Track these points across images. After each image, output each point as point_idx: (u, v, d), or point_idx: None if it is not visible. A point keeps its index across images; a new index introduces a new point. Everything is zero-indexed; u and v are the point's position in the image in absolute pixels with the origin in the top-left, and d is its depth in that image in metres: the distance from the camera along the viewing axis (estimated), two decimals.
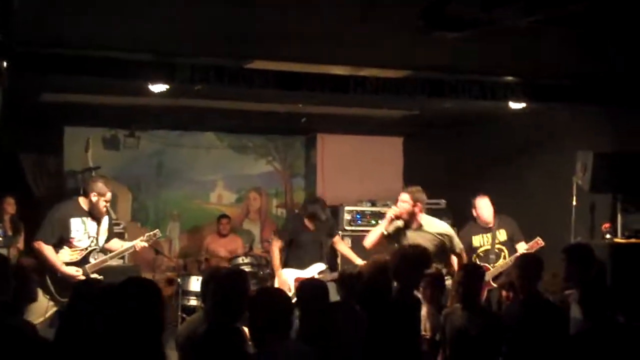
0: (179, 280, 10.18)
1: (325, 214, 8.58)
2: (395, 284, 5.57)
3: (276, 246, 8.63)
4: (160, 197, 11.94)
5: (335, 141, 12.15)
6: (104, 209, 7.25)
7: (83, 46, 6.43)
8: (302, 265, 8.43)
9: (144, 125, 11.32)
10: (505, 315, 5.88)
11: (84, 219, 7.14)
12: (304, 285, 5.56)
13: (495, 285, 7.78)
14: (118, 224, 9.84)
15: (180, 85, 7.17)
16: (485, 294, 7.70)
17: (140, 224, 11.78)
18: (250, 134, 12.31)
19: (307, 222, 8.59)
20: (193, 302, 9.76)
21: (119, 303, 3.73)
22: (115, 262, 10.12)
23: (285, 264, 8.56)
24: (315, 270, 8.38)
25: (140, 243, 7.47)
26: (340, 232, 9.83)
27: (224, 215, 11.32)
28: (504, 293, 6.41)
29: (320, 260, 8.56)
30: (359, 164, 11.96)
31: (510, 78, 7.68)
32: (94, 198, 7.15)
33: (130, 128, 11.44)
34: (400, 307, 5.38)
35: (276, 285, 8.53)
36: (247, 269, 10.02)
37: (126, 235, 10.45)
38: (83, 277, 6.93)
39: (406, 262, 5.58)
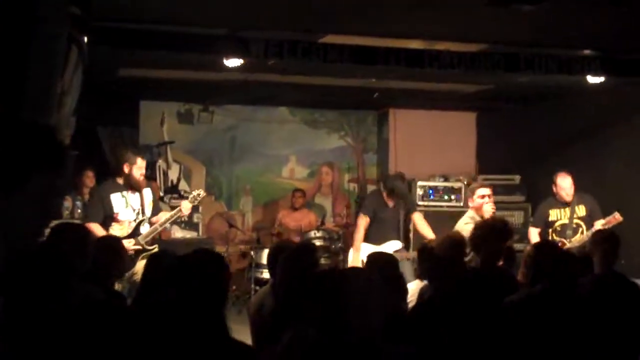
0: (251, 253, 10.32)
1: (404, 188, 8.53)
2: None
3: (362, 224, 8.57)
4: (234, 171, 12.06)
5: (407, 116, 12.08)
6: (141, 178, 7.28)
7: (159, 21, 6.52)
8: (378, 241, 8.40)
9: (218, 100, 11.43)
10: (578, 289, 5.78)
11: (124, 192, 7.21)
12: (372, 257, 5.53)
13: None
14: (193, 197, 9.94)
15: (254, 60, 7.20)
16: None
17: (214, 198, 11.94)
18: (322, 109, 12.32)
19: (386, 198, 8.55)
20: (265, 274, 9.87)
21: (184, 273, 3.79)
22: (189, 235, 10.38)
23: (364, 240, 8.55)
24: (391, 247, 8.33)
25: (185, 205, 7.49)
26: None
27: (298, 190, 11.37)
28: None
29: (397, 237, 8.52)
30: (432, 139, 11.89)
31: (588, 52, 7.53)
32: (126, 169, 7.24)
33: (205, 103, 11.57)
34: (480, 279, 5.30)
35: (350, 260, 8.55)
36: (318, 243, 10.09)
37: (200, 209, 10.63)
38: (138, 247, 7.04)
39: (490, 234, 5.52)
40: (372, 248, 8.29)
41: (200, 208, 10.54)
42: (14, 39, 3.79)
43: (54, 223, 5.43)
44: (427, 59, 7.20)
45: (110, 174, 7.66)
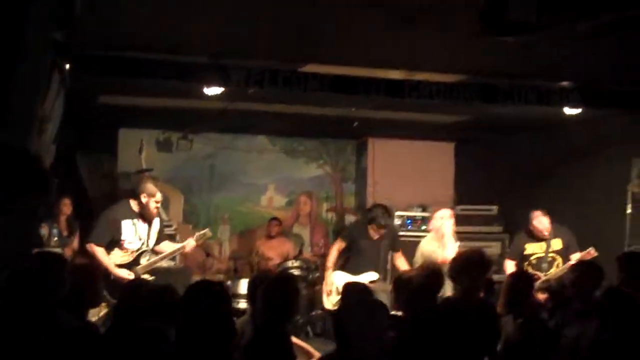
0: (229, 282, 10.25)
1: (386, 219, 8.52)
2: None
3: (336, 247, 8.59)
4: (212, 199, 12.02)
5: (386, 146, 12.10)
6: (155, 210, 7.30)
7: (140, 48, 6.52)
8: (355, 272, 8.39)
9: (197, 128, 11.41)
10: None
11: (135, 220, 7.20)
12: (348, 286, 5.54)
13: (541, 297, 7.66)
14: (170, 226, 9.94)
15: (234, 88, 7.22)
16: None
17: (191, 226, 11.86)
18: (302, 138, 12.34)
19: (369, 229, 8.54)
20: (243, 304, 9.78)
21: (189, 307, 3.79)
22: (165, 264, 10.26)
23: (340, 268, 8.54)
24: (367, 278, 8.31)
25: (191, 243, 7.51)
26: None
27: (274, 218, 11.33)
28: (540, 296, 6.32)
29: (374, 269, 8.49)
30: (410, 169, 11.90)
31: (566, 83, 7.60)
32: (144, 199, 7.21)
33: (184, 131, 11.54)
34: (458, 311, 5.29)
35: (324, 286, 8.53)
36: (296, 272, 10.03)
37: (178, 237, 10.54)
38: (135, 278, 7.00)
39: (470, 265, 5.53)
40: (348, 277, 8.28)
41: (178, 237, 10.49)
42: None
43: (34, 250, 5.40)
44: (407, 88, 7.24)
45: (88, 202, 7.63)
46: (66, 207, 9.53)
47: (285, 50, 6.78)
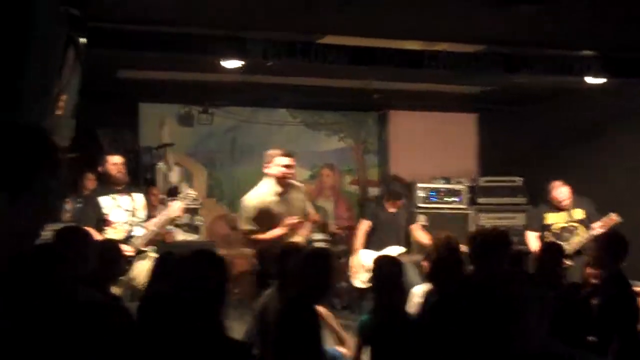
0: None
1: (400, 191, 8.47)
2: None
3: (363, 228, 8.55)
4: (235, 173, 12.02)
5: (408, 118, 12.04)
6: (119, 174, 7.18)
7: (156, 22, 6.50)
8: (380, 247, 8.36)
9: (218, 101, 11.40)
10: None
11: (113, 195, 7.17)
12: (379, 261, 5.50)
13: (569, 263, 7.59)
14: (196, 200, 9.90)
15: (252, 61, 7.18)
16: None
17: (215, 200, 11.91)
18: (323, 110, 12.28)
19: (386, 203, 8.51)
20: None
21: (181, 273, 3.80)
22: (190, 238, 10.33)
23: (364, 246, 8.53)
24: (392, 252, 8.30)
25: (174, 205, 7.35)
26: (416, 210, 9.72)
27: None
28: (588, 271, 6.27)
29: (397, 243, 8.47)
30: (432, 141, 11.85)
31: (588, 52, 7.49)
32: (100, 169, 7.23)
33: (204, 104, 11.54)
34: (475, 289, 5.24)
35: (351, 264, 8.53)
36: (321, 245, 10.05)
37: (201, 211, 10.61)
38: (131, 252, 6.94)
39: (491, 244, 5.48)
40: (373, 254, 8.25)
41: (202, 210, 10.52)
42: (10, 40, 3.77)
43: (58, 226, 5.42)
44: (426, 59, 7.19)
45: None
46: (90, 182, 9.56)
47: (303, 22, 6.73)
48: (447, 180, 11.04)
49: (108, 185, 7.18)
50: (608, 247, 5.64)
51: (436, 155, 11.69)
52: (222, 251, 10.39)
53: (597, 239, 6.14)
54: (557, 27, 6.56)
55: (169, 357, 3.37)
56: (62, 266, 3.95)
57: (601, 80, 7.89)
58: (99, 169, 7.22)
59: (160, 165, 11.13)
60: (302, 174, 12.25)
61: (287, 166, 7.15)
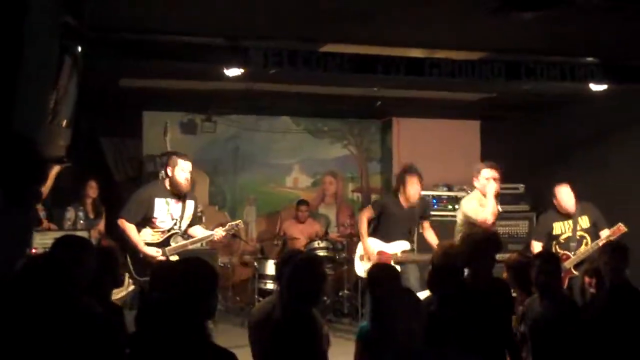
0: (255, 264, 10.27)
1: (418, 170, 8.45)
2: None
3: (365, 215, 8.48)
4: (237, 181, 12.05)
5: (411, 125, 12.05)
6: (185, 182, 7.14)
7: (158, 31, 6.51)
8: (387, 238, 8.30)
9: (221, 109, 11.43)
10: (591, 303, 5.73)
11: (168, 199, 7.13)
12: (374, 268, 5.49)
13: (576, 273, 7.57)
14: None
15: (254, 70, 7.18)
16: (567, 282, 7.53)
17: (217, 208, 11.93)
18: (325, 118, 12.32)
19: (400, 197, 8.43)
20: (269, 285, 9.84)
21: (168, 280, 3.81)
22: (192, 246, 10.33)
23: (372, 235, 8.46)
24: (399, 247, 8.25)
25: (220, 232, 7.44)
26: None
27: (302, 202, 11.29)
28: (586, 279, 6.25)
29: (406, 238, 8.42)
30: (436, 148, 11.84)
31: (590, 59, 7.48)
32: (169, 171, 7.16)
33: (207, 113, 11.56)
34: (471, 292, 5.25)
35: (359, 252, 8.47)
36: (322, 253, 10.05)
37: (204, 219, 10.60)
38: (163, 258, 6.99)
39: (475, 247, 5.47)
40: (379, 243, 8.22)
41: (204, 218, 10.52)
42: (4, 49, 3.76)
43: (59, 234, 5.40)
44: (428, 67, 7.17)
45: (113, 185, 7.62)
46: (92, 190, 9.60)
47: (304, 30, 6.73)
48: (450, 187, 11.03)
49: (171, 191, 7.15)
50: (611, 257, 5.61)
51: (439, 162, 11.65)
52: (223, 259, 10.49)
53: (601, 249, 6.11)
54: (558, 34, 6.55)
55: None
56: (62, 275, 3.95)
57: (603, 87, 7.88)
58: (167, 170, 7.17)
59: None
60: (304, 181, 12.30)
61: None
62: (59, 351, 3.62)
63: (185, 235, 7.35)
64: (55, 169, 5.14)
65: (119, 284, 5.80)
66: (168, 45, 6.65)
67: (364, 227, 8.42)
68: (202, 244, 10.38)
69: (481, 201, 7.86)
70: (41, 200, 7.96)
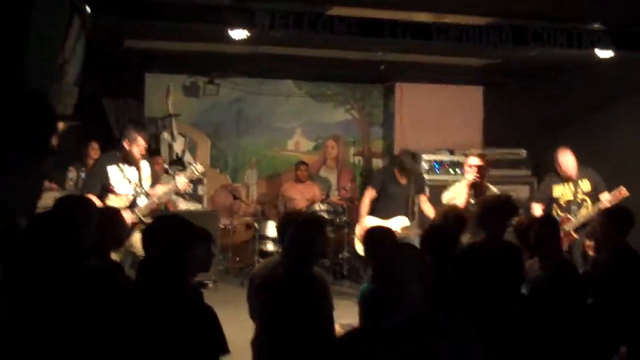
0: (255, 225, 10.31)
1: (412, 164, 8.46)
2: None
3: (368, 196, 8.52)
4: (239, 144, 12.04)
5: (414, 90, 12.01)
6: (139, 156, 7.21)
7: None
8: (386, 216, 8.36)
9: (224, 72, 11.37)
10: (593, 266, 5.75)
11: (120, 165, 7.16)
12: (373, 229, 5.50)
13: (577, 236, 7.59)
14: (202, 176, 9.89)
15: (259, 32, 7.14)
16: (567, 245, 7.55)
17: (219, 171, 11.93)
18: (329, 82, 12.27)
19: (397, 174, 8.49)
20: (270, 246, 9.90)
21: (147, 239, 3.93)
22: (193, 207, 10.36)
23: (370, 213, 8.51)
24: (398, 223, 8.30)
25: (181, 180, 7.38)
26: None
27: (301, 162, 11.32)
28: (587, 242, 6.26)
29: (405, 214, 8.47)
30: (438, 113, 11.83)
31: (597, 25, 7.44)
32: (126, 146, 7.18)
33: (210, 75, 11.51)
34: (484, 254, 5.25)
35: (357, 232, 8.52)
36: (323, 216, 10.07)
37: (205, 181, 10.64)
38: (135, 220, 6.96)
39: (495, 210, 5.48)
40: (379, 222, 8.25)
41: (205, 180, 10.54)
42: (13, 10, 3.74)
43: (61, 194, 5.39)
44: (435, 32, 7.14)
45: (114, 146, 7.59)
46: (94, 150, 9.57)
47: None
48: (452, 152, 11.04)
49: (123, 158, 7.14)
50: (614, 220, 5.63)
51: (442, 127, 11.68)
52: (224, 221, 10.52)
53: (603, 212, 6.12)
54: (566, 0, 6.52)
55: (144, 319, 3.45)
56: (64, 234, 3.96)
57: (610, 54, 7.84)
58: (124, 143, 7.17)
59: (165, 135, 11.15)
60: (306, 144, 12.30)
61: None
62: (67, 311, 3.64)
63: (149, 196, 7.33)
64: (61, 127, 5.13)
65: (120, 243, 5.82)
66: (174, 6, 6.60)
67: (365, 209, 8.47)
68: (203, 206, 10.54)
69: (456, 192, 7.88)
70: (56, 152, 7.99)
